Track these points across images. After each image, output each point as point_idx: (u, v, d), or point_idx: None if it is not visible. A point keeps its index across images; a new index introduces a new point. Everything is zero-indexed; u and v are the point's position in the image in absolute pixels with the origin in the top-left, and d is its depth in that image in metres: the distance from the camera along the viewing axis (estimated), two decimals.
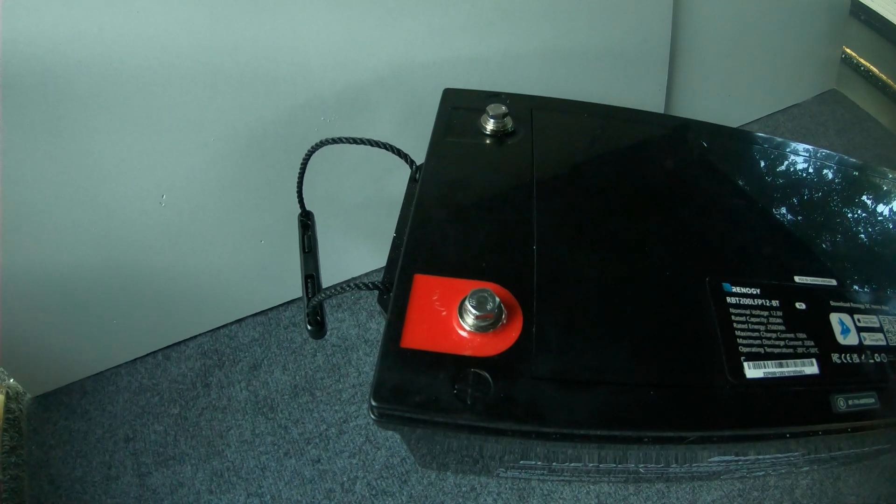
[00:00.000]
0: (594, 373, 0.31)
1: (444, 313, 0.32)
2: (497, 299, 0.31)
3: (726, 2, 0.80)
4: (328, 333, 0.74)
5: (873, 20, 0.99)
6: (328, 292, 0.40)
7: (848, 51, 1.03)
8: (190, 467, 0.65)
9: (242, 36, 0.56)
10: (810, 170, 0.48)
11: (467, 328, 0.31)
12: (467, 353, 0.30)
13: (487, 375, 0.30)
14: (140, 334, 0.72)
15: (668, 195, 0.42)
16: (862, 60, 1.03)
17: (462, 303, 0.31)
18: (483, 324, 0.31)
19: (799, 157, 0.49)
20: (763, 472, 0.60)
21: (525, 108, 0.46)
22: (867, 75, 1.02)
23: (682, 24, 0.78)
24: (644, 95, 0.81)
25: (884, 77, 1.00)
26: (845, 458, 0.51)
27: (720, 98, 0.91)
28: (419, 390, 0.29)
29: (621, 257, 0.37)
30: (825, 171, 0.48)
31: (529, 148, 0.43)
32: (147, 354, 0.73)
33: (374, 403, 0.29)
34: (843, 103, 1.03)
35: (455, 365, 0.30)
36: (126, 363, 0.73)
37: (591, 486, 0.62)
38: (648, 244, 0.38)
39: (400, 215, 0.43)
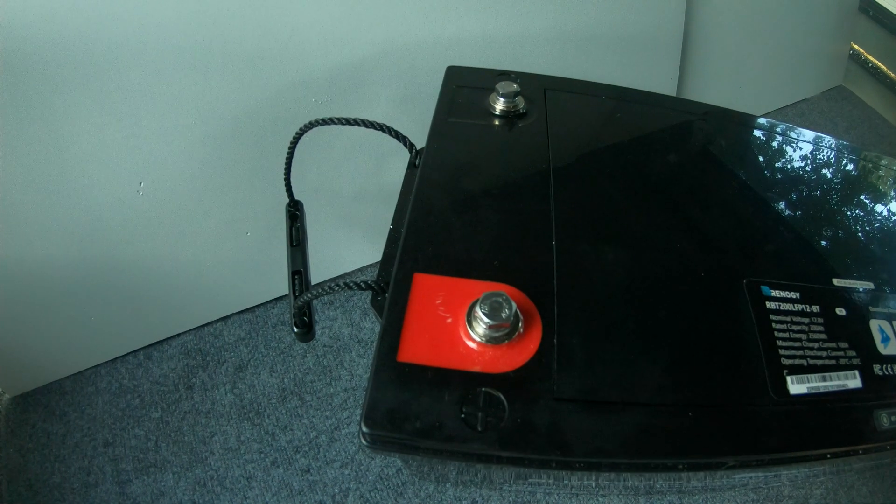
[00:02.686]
0: (626, 392, 0.26)
1: (449, 321, 0.26)
2: (514, 305, 0.25)
3: None
4: (318, 334, 0.68)
5: (882, 16, 0.95)
6: (316, 292, 0.34)
7: (856, 47, 0.99)
8: (172, 475, 0.60)
9: (226, 8, 0.50)
10: (843, 165, 0.43)
11: (477, 339, 0.25)
12: (477, 368, 0.25)
13: (501, 396, 0.24)
14: (120, 332, 0.67)
15: (696, 186, 0.37)
16: (870, 57, 0.98)
17: (471, 309, 0.26)
18: (496, 334, 0.25)
19: (831, 150, 0.44)
20: (780, 483, 0.56)
21: (537, 88, 0.40)
22: (875, 72, 0.98)
23: (694, 14, 0.74)
24: (655, 85, 0.75)
25: (892, 74, 0.96)
26: (863, 467, 0.48)
27: (730, 90, 0.87)
28: (420, 414, 0.24)
29: (652, 255, 0.31)
30: (858, 166, 0.44)
31: (544, 131, 0.37)
32: (128, 353, 0.69)
33: (365, 429, 0.24)
34: (850, 100, 0.99)
35: (463, 383, 0.25)
36: (106, 363, 0.68)
37: (600, 499, 0.57)
38: (680, 240, 0.33)
39: (397, 205, 0.38)
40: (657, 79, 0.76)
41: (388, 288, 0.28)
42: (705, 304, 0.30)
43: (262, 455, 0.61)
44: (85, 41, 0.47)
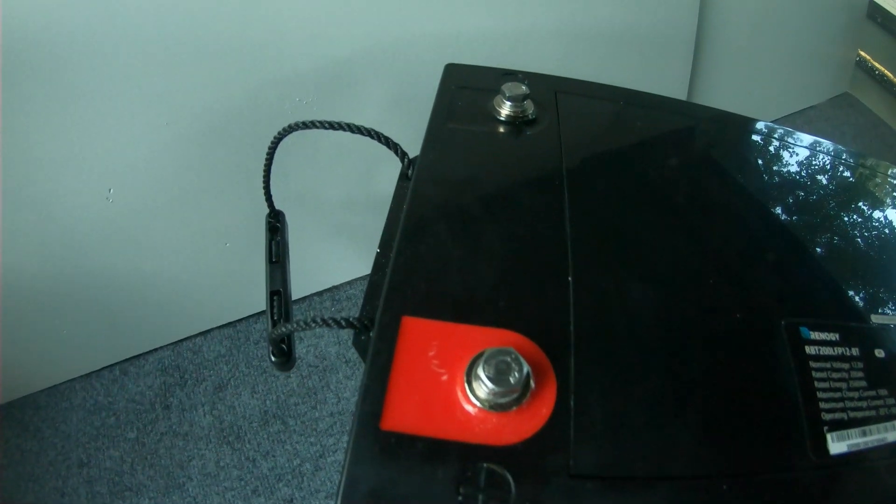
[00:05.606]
0: (653, 465, 0.21)
1: (444, 378, 0.21)
2: (525, 367, 0.20)
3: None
4: (303, 352, 0.63)
5: (890, 23, 0.91)
6: (294, 326, 0.29)
7: (863, 54, 0.95)
8: (148, 501, 0.56)
9: None
10: (881, 187, 0.38)
11: (478, 404, 0.20)
12: (477, 439, 0.20)
13: (507, 474, 0.19)
14: (94, 346, 0.62)
15: (729, 209, 0.32)
16: (877, 64, 0.94)
17: (472, 366, 0.20)
18: (502, 401, 0.20)
19: (866, 171, 0.39)
20: None
21: (547, 91, 0.35)
22: (882, 79, 0.94)
23: (705, 20, 0.69)
24: (665, 89, 0.70)
25: None
26: None
27: (740, 96, 0.83)
28: (408, 496, 0.19)
29: (683, 294, 0.26)
30: (889, 185, 0.39)
31: (556, 141, 0.31)
32: (103, 368, 0.64)
33: None
34: (856, 107, 0.95)
35: (460, 458, 0.20)
36: (80, 377, 0.64)
37: None
38: (713, 274, 0.28)
39: (386, 224, 0.33)
40: (668, 83, 0.71)
41: (373, 326, 0.23)
42: (742, 352, 0.25)
43: (243, 483, 0.56)
44: (46, 34, 0.41)
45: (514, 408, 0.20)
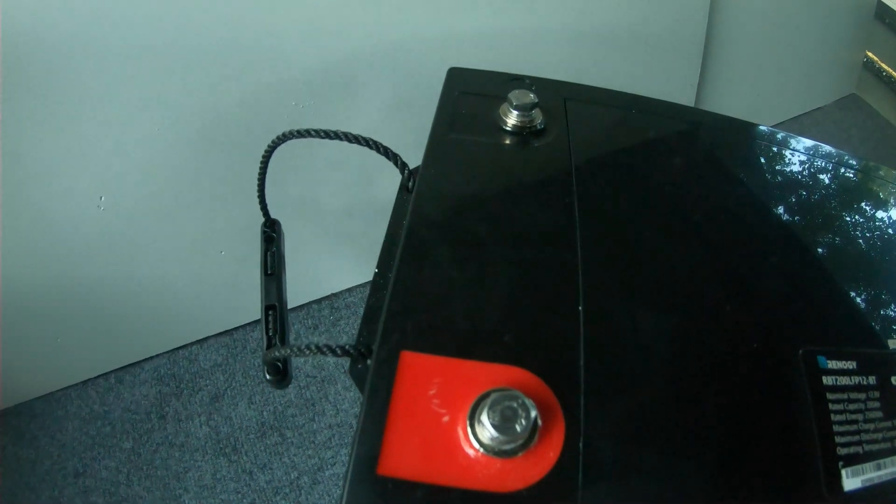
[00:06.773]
0: None
1: (445, 419, 0.19)
2: (533, 412, 0.18)
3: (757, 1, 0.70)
4: (301, 362, 0.62)
5: None
6: (288, 351, 0.28)
7: (870, 55, 0.92)
8: None
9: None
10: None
11: (480, 449, 0.18)
12: (480, 486, 0.19)
13: None
14: (89, 354, 0.61)
15: (749, 229, 0.30)
16: (884, 66, 0.92)
17: (475, 409, 0.19)
18: (507, 448, 0.18)
19: (888, 184, 0.37)
20: None
21: (556, 98, 0.33)
22: (889, 81, 0.92)
23: (714, 22, 0.67)
24: (673, 92, 0.68)
25: None
26: None
27: (749, 98, 0.82)
28: None
29: (699, 325, 0.25)
30: None
31: (566, 154, 0.30)
32: (99, 376, 0.63)
33: None
34: (864, 109, 0.92)
35: None
36: (76, 384, 0.62)
37: None
38: (731, 301, 0.26)
39: (385, 240, 0.31)
40: (676, 85, 0.69)
41: (370, 355, 0.22)
42: (758, 387, 0.24)
43: (240, 495, 0.55)
44: (35, 37, 0.40)
45: (520, 453, 0.19)
